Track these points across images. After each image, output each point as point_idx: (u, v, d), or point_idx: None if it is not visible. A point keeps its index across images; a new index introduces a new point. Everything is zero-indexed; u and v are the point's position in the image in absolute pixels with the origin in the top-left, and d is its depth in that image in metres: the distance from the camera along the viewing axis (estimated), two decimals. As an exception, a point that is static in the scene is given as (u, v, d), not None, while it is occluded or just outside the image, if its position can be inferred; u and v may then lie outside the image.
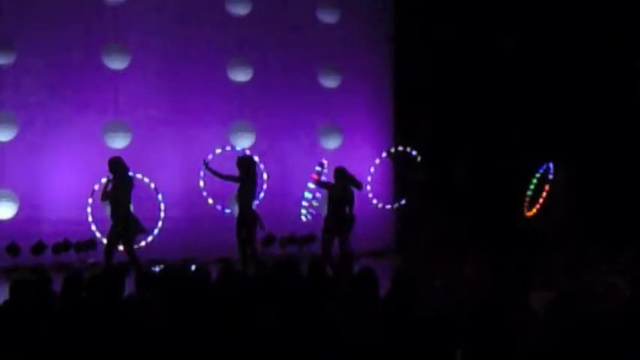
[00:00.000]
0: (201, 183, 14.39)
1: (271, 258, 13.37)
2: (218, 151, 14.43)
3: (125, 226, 12.28)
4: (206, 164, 13.61)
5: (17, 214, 13.68)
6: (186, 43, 15.16)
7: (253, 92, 15.41)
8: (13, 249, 13.69)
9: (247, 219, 12.90)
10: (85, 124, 14.31)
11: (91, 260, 13.84)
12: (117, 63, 14.28)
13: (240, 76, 15.30)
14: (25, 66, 13.97)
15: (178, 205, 14.82)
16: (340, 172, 13.33)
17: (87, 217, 13.54)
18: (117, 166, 12.43)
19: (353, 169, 14.63)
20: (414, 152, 16.05)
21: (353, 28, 16.41)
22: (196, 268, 7.60)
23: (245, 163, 13.10)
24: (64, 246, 14.01)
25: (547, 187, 15.23)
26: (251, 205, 13.03)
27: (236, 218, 12.97)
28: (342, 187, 13.20)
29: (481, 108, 16.48)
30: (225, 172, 13.05)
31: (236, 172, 12.92)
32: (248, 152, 14.42)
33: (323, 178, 14.05)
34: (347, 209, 13.18)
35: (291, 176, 15.77)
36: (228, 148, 14.58)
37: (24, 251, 13.74)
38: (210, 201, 14.41)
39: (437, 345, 5.56)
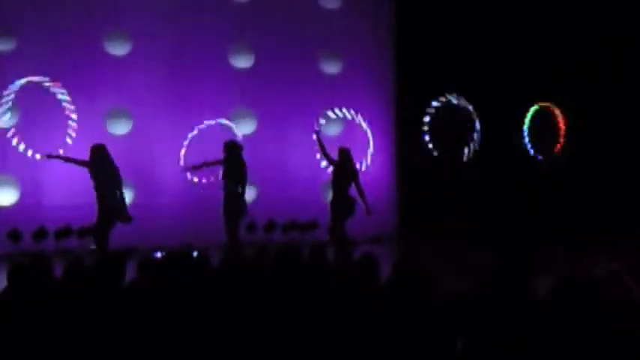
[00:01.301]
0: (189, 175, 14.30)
1: (273, 244, 13.40)
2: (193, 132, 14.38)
3: (111, 214, 12.31)
4: (193, 167, 13.61)
5: (19, 200, 13.69)
6: (187, 30, 15.13)
7: (255, 79, 15.40)
8: (14, 235, 13.70)
9: (235, 207, 12.89)
10: (86, 111, 14.29)
11: (93, 246, 13.84)
12: (118, 50, 14.28)
13: (242, 62, 15.30)
14: (27, 52, 13.96)
15: (179, 192, 14.82)
16: (345, 153, 13.23)
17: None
18: (96, 155, 12.40)
19: (354, 156, 14.63)
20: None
21: (354, 14, 16.38)
22: (198, 255, 7.60)
23: (232, 147, 13.04)
24: (65, 232, 14.03)
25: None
26: (239, 193, 12.97)
27: (223, 205, 12.94)
28: (346, 168, 13.15)
29: (483, 96, 16.45)
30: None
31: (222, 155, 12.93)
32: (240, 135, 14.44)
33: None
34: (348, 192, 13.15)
35: (293, 162, 15.76)
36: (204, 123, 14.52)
37: (25, 237, 13.75)
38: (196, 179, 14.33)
39: (437, 332, 5.57)
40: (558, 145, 16.37)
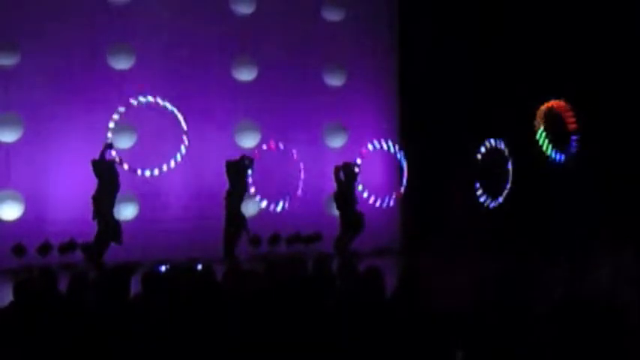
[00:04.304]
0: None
1: (277, 256, 13.41)
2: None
3: (106, 228, 12.42)
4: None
5: (23, 214, 13.69)
6: (190, 43, 15.15)
7: (258, 91, 15.41)
8: (18, 249, 13.68)
9: (235, 222, 13.01)
10: (90, 124, 14.31)
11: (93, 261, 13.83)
12: (122, 63, 14.30)
13: (245, 75, 15.31)
14: (30, 66, 13.97)
15: (183, 205, 14.82)
16: (351, 169, 13.47)
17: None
18: (97, 168, 12.58)
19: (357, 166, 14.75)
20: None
21: (358, 26, 16.40)
22: (202, 267, 7.60)
23: (235, 167, 13.17)
24: (70, 246, 14.00)
25: None
26: (240, 209, 13.12)
27: (225, 221, 13.07)
28: (349, 184, 13.39)
29: (487, 106, 16.44)
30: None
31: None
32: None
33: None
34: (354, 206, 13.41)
35: (296, 175, 15.75)
36: None
37: (30, 252, 13.73)
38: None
39: (438, 345, 5.56)
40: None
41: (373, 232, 15.26)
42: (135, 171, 13.77)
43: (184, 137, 14.10)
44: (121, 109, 13.70)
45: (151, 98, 13.85)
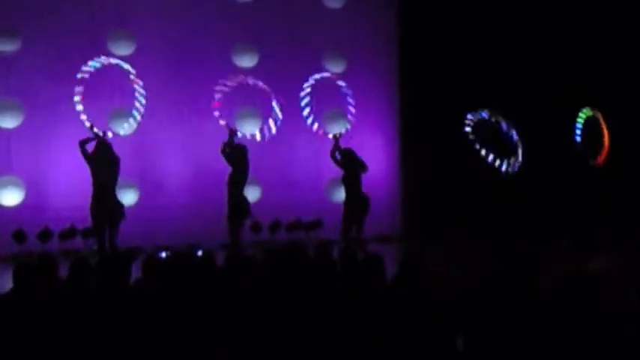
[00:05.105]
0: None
1: (278, 243, 13.45)
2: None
3: (108, 210, 12.44)
4: None
5: (23, 200, 13.70)
6: (191, 29, 15.13)
7: (258, 78, 15.38)
8: (19, 236, 13.70)
9: (238, 207, 13.01)
10: (90, 111, 14.28)
11: (97, 247, 13.84)
12: (122, 49, 14.27)
13: (245, 61, 15.29)
14: (31, 52, 13.96)
15: (184, 191, 14.83)
16: (350, 154, 13.45)
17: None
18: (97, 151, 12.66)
19: (359, 154, 14.66)
20: None
21: (358, 13, 16.37)
22: (202, 254, 7.61)
23: (237, 151, 13.18)
24: (70, 232, 14.01)
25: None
26: (242, 193, 13.11)
27: (227, 205, 13.10)
28: (352, 170, 13.38)
29: (488, 94, 16.41)
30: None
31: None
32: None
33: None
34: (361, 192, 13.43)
35: (296, 162, 15.75)
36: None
37: (30, 238, 13.75)
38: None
39: (438, 331, 5.58)
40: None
41: (374, 219, 15.25)
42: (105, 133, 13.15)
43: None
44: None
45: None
